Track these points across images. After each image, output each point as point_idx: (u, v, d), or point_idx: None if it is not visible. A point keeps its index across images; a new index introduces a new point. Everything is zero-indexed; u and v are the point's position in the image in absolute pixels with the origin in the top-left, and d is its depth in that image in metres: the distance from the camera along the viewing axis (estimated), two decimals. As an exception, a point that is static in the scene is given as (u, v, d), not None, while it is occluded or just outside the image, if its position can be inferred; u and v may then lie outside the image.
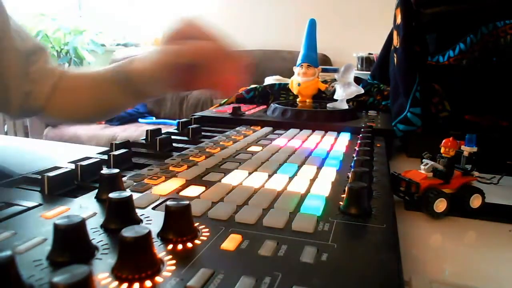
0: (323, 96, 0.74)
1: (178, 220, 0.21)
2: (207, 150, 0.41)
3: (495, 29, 0.54)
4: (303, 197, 0.28)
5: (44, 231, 0.21)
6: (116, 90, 0.52)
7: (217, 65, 0.42)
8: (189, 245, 0.20)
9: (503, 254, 0.30)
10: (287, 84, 0.73)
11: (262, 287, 0.17)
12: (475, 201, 0.35)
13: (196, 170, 0.34)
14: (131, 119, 2.39)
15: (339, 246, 0.21)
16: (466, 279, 0.25)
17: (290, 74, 0.71)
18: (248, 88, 0.80)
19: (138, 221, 0.23)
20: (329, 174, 0.34)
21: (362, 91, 0.64)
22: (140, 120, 2.42)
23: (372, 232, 0.23)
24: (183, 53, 0.42)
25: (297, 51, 0.68)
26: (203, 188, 0.30)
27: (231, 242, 0.21)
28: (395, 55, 0.61)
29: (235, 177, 0.32)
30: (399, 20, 0.59)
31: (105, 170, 0.28)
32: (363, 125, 0.51)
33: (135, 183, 0.30)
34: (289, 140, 0.48)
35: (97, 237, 0.21)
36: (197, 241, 0.21)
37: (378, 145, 0.46)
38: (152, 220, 0.23)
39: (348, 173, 0.33)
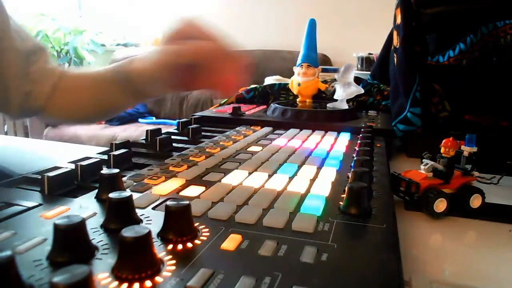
0: (323, 96, 0.74)
1: (178, 220, 0.21)
2: (207, 150, 0.41)
3: (495, 29, 0.54)
4: (303, 197, 0.28)
5: (44, 231, 0.21)
6: (116, 90, 0.52)
7: (217, 65, 0.42)
8: (189, 245, 0.20)
9: (503, 254, 0.30)
10: (287, 84, 0.73)
11: (262, 287, 0.17)
12: (475, 201, 0.35)
13: (196, 170, 0.34)
14: (131, 119, 2.39)
15: (339, 246, 0.21)
16: (466, 279, 0.25)
17: (290, 74, 0.71)
18: (248, 88, 0.80)
19: (138, 221, 0.23)
20: (329, 174, 0.34)
21: (362, 91, 0.64)
22: (140, 120, 2.42)
23: (372, 232, 0.23)
24: (183, 53, 0.43)
25: (297, 51, 0.68)
26: (203, 188, 0.30)
27: (231, 242, 0.21)
28: (395, 55, 0.60)
29: (235, 177, 0.32)
30: (399, 20, 0.59)
31: (105, 170, 0.28)
32: (363, 125, 0.51)
33: (135, 183, 0.30)
34: (289, 140, 0.48)
35: (97, 237, 0.21)
36: (197, 241, 0.21)
37: (378, 145, 0.46)
38: (152, 220, 0.23)
39: (348, 173, 0.33)
